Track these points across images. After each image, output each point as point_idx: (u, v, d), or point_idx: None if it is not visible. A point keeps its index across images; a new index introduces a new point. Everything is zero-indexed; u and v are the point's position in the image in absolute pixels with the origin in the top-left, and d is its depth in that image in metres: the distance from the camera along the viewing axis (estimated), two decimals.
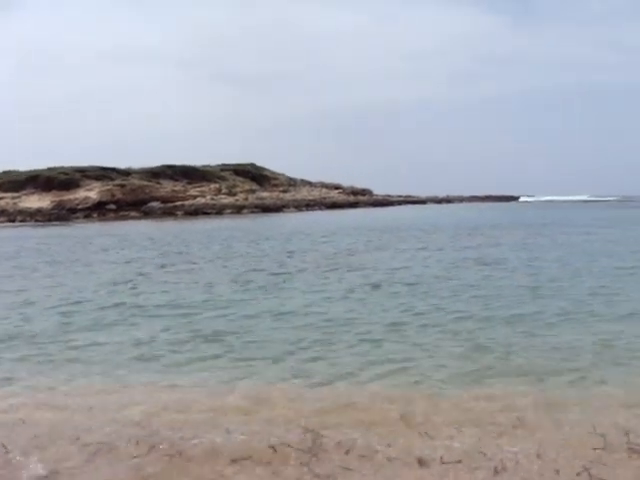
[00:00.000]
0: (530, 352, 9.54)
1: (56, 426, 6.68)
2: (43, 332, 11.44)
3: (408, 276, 18.02)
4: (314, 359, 9.35)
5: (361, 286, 16.29)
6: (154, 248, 29.06)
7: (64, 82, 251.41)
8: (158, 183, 79.92)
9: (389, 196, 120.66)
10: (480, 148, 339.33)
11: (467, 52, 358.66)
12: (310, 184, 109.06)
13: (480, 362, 8.99)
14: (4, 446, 6.10)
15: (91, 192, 72.23)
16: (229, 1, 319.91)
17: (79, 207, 69.92)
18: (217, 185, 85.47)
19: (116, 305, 14.12)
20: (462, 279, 17.25)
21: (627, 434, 6.15)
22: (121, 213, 70.25)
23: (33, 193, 73.14)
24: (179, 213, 71.69)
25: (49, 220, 62.67)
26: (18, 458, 5.87)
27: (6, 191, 73.38)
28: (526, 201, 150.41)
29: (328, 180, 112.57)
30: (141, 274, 19.51)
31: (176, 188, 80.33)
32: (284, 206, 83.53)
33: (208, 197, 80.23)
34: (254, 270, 20.15)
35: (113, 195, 72.54)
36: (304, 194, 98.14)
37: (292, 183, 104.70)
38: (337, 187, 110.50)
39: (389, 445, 5.95)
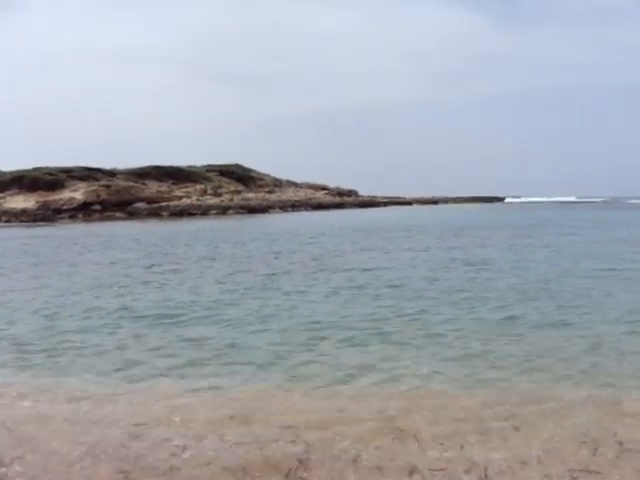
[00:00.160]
0: (519, 354, 9.51)
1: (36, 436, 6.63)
2: (25, 335, 11.34)
3: (394, 277, 17.98)
4: (302, 363, 9.25)
5: (347, 288, 16.24)
6: (139, 249, 28.93)
7: (58, 82, 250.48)
8: (143, 184, 79.68)
9: (375, 197, 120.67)
10: (468, 149, 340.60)
11: (454, 53, 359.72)
12: (296, 185, 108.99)
13: (468, 366, 8.93)
14: None
15: (76, 193, 71.91)
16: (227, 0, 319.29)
17: (64, 208, 69.59)
18: (202, 186, 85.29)
19: (99, 307, 14.02)
20: (448, 280, 17.25)
21: (617, 440, 6.11)
22: (106, 214, 69.98)
23: (18, 193, 72.78)
24: (164, 214, 71.50)
25: (34, 221, 62.41)
26: None
27: None
28: (512, 202, 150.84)
29: (314, 181, 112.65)
30: (126, 276, 19.40)
31: (161, 189, 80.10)
32: (270, 207, 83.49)
33: (194, 198, 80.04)
34: (240, 272, 20.08)
35: (98, 196, 72.24)
36: (290, 195, 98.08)
37: (278, 184, 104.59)
38: (323, 188, 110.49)
39: (380, 453, 5.86)
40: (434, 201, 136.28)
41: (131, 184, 77.33)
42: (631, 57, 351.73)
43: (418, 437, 6.22)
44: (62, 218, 65.82)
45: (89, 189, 72.41)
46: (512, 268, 19.75)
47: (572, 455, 5.74)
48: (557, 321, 11.80)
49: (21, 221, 62.32)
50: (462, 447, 5.95)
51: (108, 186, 74.19)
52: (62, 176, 75.71)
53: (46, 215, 65.72)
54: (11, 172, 77.27)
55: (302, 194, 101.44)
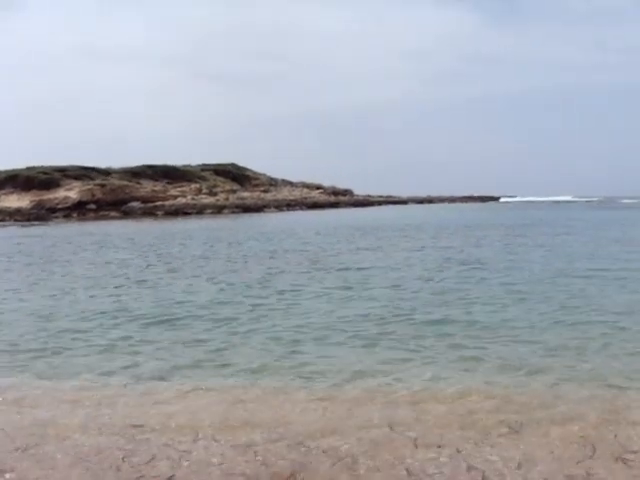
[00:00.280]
0: (513, 355, 9.50)
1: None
2: (19, 337, 11.29)
3: (391, 277, 17.99)
4: (300, 365, 9.18)
5: (342, 288, 16.22)
6: (134, 249, 28.90)
7: (54, 82, 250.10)
8: (138, 183, 79.61)
9: (370, 196, 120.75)
10: (464, 149, 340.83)
11: (451, 52, 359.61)
12: (291, 184, 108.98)
13: (466, 369, 8.88)
14: None
15: (71, 192, 71.83)
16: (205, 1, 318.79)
17: (59, 207, 69.53)
18: (198, 185, 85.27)
19: (94, 308, 13.96)
20: (443, 280, 17.23)
21: (617, 442, 6.07)
22: (101, 213, 69.95)
23: (12, 192, 72.67)
24: (159, 213, 71.47)
25: (28, 220, 62.26)
26: None
27: None
28: (507, 201, 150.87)
29: (309, 180, 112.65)
30: (120, 275, 19.37)
31: (156, 188, 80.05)
32: (265, 206, 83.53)
33: (189, 197, 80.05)
34: (235, 271, 20.07)
35: (93, 195, 72.18)
36: (285, 194, 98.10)
37: (273, 183, 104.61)
38: (318, 187, 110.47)
39: (379, 458, 5.80)
40: (429, 200, 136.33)
41: (126, 183, 77.27)
42: (630, 57, 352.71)
43: (417, 441, 6.17)
44: (57, 217, 65.77)
45: (84, 188, 72.34)
46: (506, 268, 19.73)
47: (571, 459, 5.72)
48: (551, 322, 11.77)
49: (15, 220, 62.15)
50: (460, 451, 5.91)
51: (103, 185, 74.13)
52: (57, 175, 75.61)
53: (40, 214, 65.60)
54: (5, 171, 77.14)
55: (297, 193, 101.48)
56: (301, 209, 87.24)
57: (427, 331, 11.16)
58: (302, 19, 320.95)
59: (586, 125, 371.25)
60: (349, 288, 16.18)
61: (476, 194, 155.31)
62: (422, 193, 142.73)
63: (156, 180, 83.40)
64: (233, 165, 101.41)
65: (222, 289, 16.38)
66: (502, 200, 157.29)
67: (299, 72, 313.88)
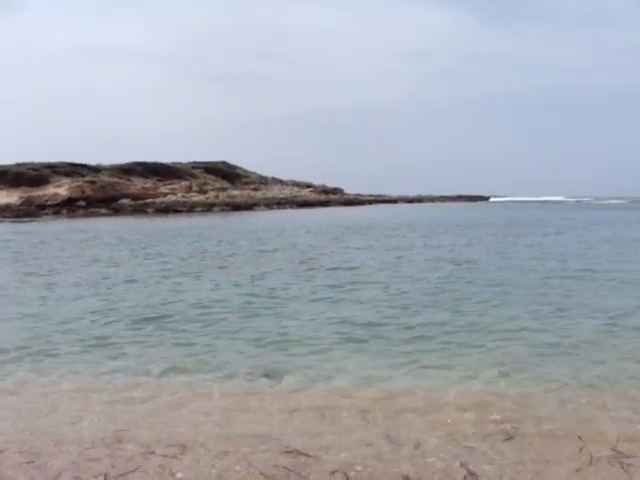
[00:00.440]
0: (506, 356, 9.48)
1: None
2: (4, 338, 11.20)
3: (381, 276, 17.98)
4: (289, 367, 9.16)
5: (332, 287, 16.21)
6: (124, 246, 28.81)
7: (49, 81, 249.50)
8: (129, 180, 79.44)
9: (360, 195, 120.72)
10: (461, 149, 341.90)
11: (452, 52, 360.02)
12: (281, 182, 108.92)
13: (456, 371, 8.82)
14: None
15: (60, 188, 71.60)
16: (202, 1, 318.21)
17: (48, 203, 69.28)
18: (188, 183, 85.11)
19: (83, 307, 13.91)
20: (434, 280, 17.21)
21: (614, 447, 6.02)
22: (91, 210, 69.71)
23: (1, 189, 72.31)
24: (150, 210, 71.35)
25: (17, 216, 62.01)
26: None
27: None
28: (496, 201, 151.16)
29: (300, 179, 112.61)
30: (109, 275, 19.29)
31: (147, 185, 79.87)
32: (255, 204, 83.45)
33: (179, 195, 79.91)
34: (225, 270, 20.02)
35: (83, 192, 71.95)
36: (275, 192, 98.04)
37: (263, 181, 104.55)
38: (308, 186, 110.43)
39: (372, 462, 5.74)
40: (419, 199, 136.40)
41: (116, 180, 77.08)
42: (629, 59, 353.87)
43: (410, 445, 6.12)
44: (46, 214, 65.54)
45: (73, 185, 72.11)
46: (497, 268, 19.74)
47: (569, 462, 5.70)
48: (542, 324, 11.78)
49: (4, 217, 61.84)
50: (457, 456, 5.85)
51: (93, 182, 73.92)
52: (46, 171, 75.35)
53: (30, 211, 65.37)
54: None
55: (288, 192, 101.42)
56: (291, 207, 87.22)
57: (416, 333, 11.12)
58: (301, 19, 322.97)
59: (581, 126, 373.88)
60: (339, 287, 16.14)
61: (466, 193, 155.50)
62: (412, 192, 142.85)
63: (146, 177, 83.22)
64: (224, 163, 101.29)
65: (211, 288, 16.29)
66: (492, 200, 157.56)
67: (297, 72, 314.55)
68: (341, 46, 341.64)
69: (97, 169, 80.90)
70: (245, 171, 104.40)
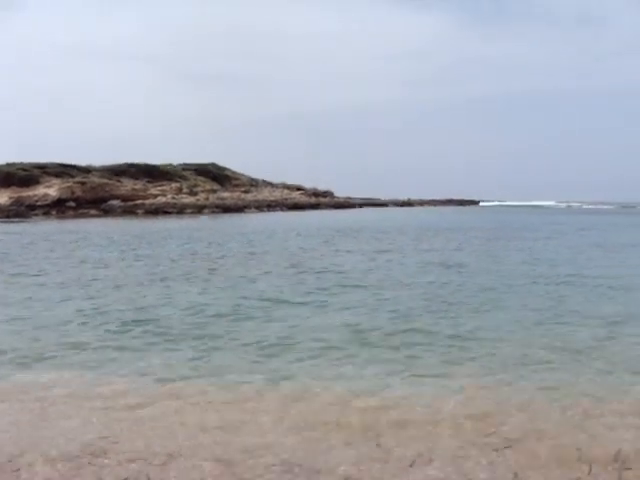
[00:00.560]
0: (501, 363, 9.48)
1: None
2: None
3: (371, 280, 17.99)
4: (277, 371, 9.19)
5: (322, 290, 16.19)
6: (113, 247, 28.71)
7: (26, 78, 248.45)
8: (119, 181, 79.19)
9: (350, 198, 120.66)
10: (447, 152, 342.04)
11: (432, 56, 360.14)
12: (272, 185, 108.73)
13: (450, 378, 8.83)
14: None
15: (50, 189, 71.32)
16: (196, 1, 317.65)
17: (38, 204, 69.01)
18: (178, 184, 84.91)
19: (72, 310, 13.84)
20: (424, 284, 17.21)
21: (614, 457, 5.95)
22: (81, 211, 69.46)
23: None
24: (139, 212, 71.13)
25: (7, 217, 61.68)
26: None
27: None
28: (486, 205, 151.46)
29: (290, 181, 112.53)
30: (97, 276, 19.22)
31: (137, 187, 79.63)
32: (245, 206, 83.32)
33: (169, 196, 79.69)
34: (215, 272, 19.98)
35: (73, 192, 71.69)
36: (265, 195, 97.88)
37: (254, 183, 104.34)
38: (299, 188, 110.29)
39: (363, 470, 5.71)
40: (409, 203, 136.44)
41: (106, 181, 76.83)
42: (614, 62, 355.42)
43: (406, 456, 6.06)
44: (36, 214, 65.26)
45: (63, 185, 71.84)
46: (486, 272, 19.78)
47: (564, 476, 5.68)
48: (530, 330, 11.80)
49: None
50: (456, 465, 5.80)
51: (83, 183, 73.64)
52: (36, 172, 75.01)
53: (19, 211, 65.07)
54: None
55: (278, 194, 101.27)
56: (281, 210, 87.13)
57: (404, 338, 11.11)
58: (292, 20, 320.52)
59: (574, 129, 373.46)
60: (328, 291, 16.13)
61: (456, 197, 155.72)
62: (402, 196, 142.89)
63: (137, 179, 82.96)
64: (213, 165, 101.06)
65: (200, 291, 16.23)
66: (482, 204, 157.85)
67: (288, 74, 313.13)
68: (332, 47, 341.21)
69: (87, 170, 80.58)
70: (235, 173, 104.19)
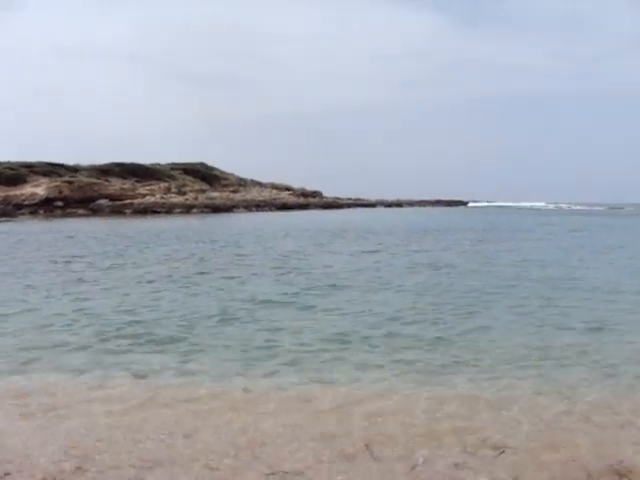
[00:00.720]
0: (488, 366, 9.45)
1: None
2: None
3: (359, 280, 17.93)
4: (257, 374, 9.13)
5: (310, 291, 16.13)
6: (101, 248, 28.59)
7: (26, 78, 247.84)
8: (107, 181, 79.00)
9: (339, 199, 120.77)
10: (446, 152, 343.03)
11: (422, 58, 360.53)
12: (260, 185, 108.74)
13: (442, 381, 8.78)
14: None
15: (38, 188, 71.11)
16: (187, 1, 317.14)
17: (25, 203, 68.81)
18: (167, 184, 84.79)
19: (57, 312, 13.75)
20: (413, 285, 17.17)
21: (611, 462, 5.87)
22: (68, 210, 69.30)
23: None
24: (128, 211, 71.04)
25: None
26: None
27: None
28: (475, 206, 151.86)
29: (279, 181, 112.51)
30: (83, 278, 19.08)
31: (125, 186, 79.47)
32: (234, 206, 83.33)
33: (157, 196, 79.57)
34: (201, 273, 19.89)
35: (61, 192, 71.49)
36: (254, 195, 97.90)
37: (242, 183, 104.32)
38: (287, 188, 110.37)
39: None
40: (398, 204, 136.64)
41: (94, 181, 76.65)
42: (598, 64, 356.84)
43: (398, 460, 5.99)
44: (23, 214, 65.10)
45: (51, 185, 71.63)
46: (474, 272, 19.78)
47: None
48: (519, 331, 11.78)
49: None
50: (449, 470, 5.73)
51: (71, 182, 73.46)
52: (24, 171, 74.82)
53: (6, 210, 64.87)
54: None
55: (267, 194, 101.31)
56: (270, 210, 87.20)
57: (397, 341, 11.05)
58: (291, 20, 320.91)
59: (560, 132, 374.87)
60: (316, 292, 16.07)
61: (445, 198, 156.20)
62: (391, 196, 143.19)
63: (125, 178, 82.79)
64: (202, 165, 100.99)
65: (188, 293, 16.16)
66: (470, 205, 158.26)
67: (279, 74, 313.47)
68: (332, 47, 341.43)
69: (75, 169, 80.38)
70: (224, 173, 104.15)
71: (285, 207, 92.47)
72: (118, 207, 72.34)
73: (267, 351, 10.20)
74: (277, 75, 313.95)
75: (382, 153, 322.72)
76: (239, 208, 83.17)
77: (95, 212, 69.58)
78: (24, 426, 6.84)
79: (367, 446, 6.21)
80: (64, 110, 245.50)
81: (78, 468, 5.71)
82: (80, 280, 18.08)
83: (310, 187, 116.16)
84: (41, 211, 67.72)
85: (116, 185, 78.68)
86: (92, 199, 73.03)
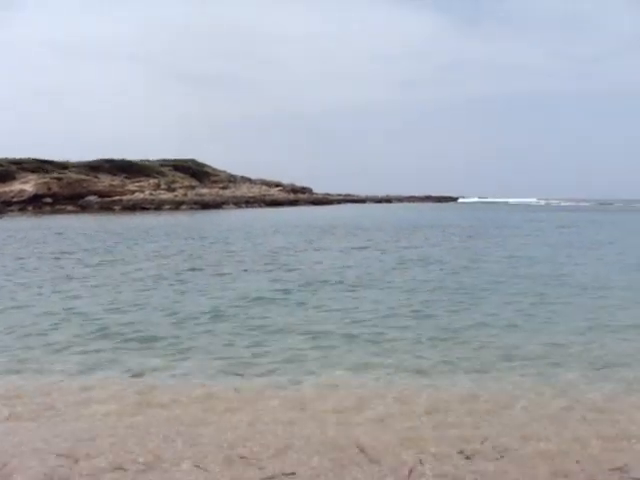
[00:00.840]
0: (481, 364, 9.44)
1: None
2: None
3: (348, 276, 17.93)
4: (246, 372, 9.12)
5: (300, 287, 16.11)
6: (90, 245, 28.48)
7: (26, 78, 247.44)
8: (96, 177, 78.86)
9: (329, 195, 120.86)
10: (427, 151, 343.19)
11: (421, 59, 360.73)
12: (250, 181, 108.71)
13: (435, 381, 8.75)
14: None
15: (27, 185, 70.86)
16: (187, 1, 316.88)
17: (14, 200, 68.56)
18: (156, 180, 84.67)
19: (45, 310, 13.70)
20: (401, 282, 17.17)
21: (613, 466, 5.77)
22: (57, 207, 69.12)
23: None
24: (117, 208, 70.89)
25: None
26: None
27: None
28: (465, 202, 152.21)
29: (269, 178, 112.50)
30: (72, 275, 19.00)
31: (114, 183, 79.33)
32: (223, 203, 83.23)
33: (147, 192, 79.44)
34: (192, 269, 19.84)
35: (49, 188, 71.27)
36: (244, 191, 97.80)
37: (232, 180, 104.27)
38: (277, 185, 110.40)
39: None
40: (387, 199, 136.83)
41: (83, 177, 76.48)
42: (599, 65, 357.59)
43: (391, 463, 5.94)
44: (11, 210, 64.87)
45: (40, 181, 71.41)
46: (464, 269, 19.81)
47: None
48: (510, 328, 11.79)
49: None
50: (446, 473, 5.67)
51: (60, 179, 73.26)
52: (12, 167, 74.57)
53: None
54: None
55: (256, 190, 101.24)
56: (260, 206, 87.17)
57: (387, 338, 11.02)
58: (291, 20, 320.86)
59: (554, 130, 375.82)
60: (307, 288, 16.06)
61: (434, 194, 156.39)
62: (381, 192, 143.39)
63: (114, 175, 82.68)
64: (192, 161, 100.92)
65: (177, 290, 16.08)
66: (460, 201, 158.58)
67: (271, 73, 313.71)
68: (332, 47, 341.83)
69: (64, 165, 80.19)
70: (214, 169, 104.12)
71: (275, 203, 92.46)
72: (107, 204, 72.16)
73: (260, 349, 10.17)
74: (277, 75, 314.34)
75: (382, 153, 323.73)
76: (229, 204, 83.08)
77: (84, 209, 69.42)
78: (16, 427, 6.80)
79: (363, 448, 6.17)
80: (64, 110, 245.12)
81: (74, 469, 5.68)
82: (69, 277, 18.00)
83: (300, 184, 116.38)
84: (30, 208, 67.49)
85: (105, 182, 78.54)
86: (81, 195, 72.87)
